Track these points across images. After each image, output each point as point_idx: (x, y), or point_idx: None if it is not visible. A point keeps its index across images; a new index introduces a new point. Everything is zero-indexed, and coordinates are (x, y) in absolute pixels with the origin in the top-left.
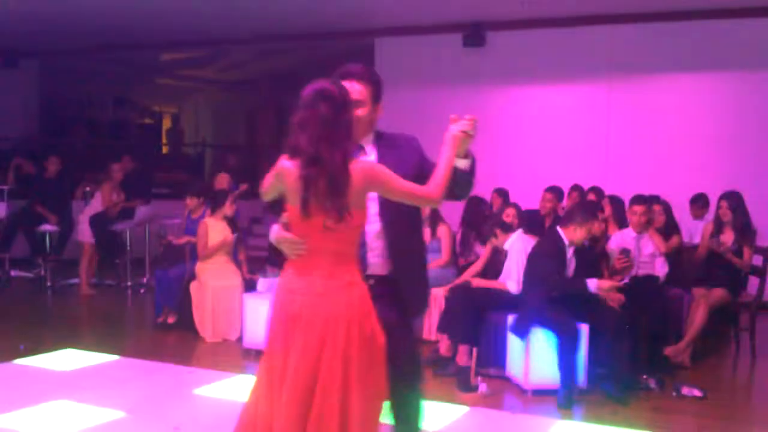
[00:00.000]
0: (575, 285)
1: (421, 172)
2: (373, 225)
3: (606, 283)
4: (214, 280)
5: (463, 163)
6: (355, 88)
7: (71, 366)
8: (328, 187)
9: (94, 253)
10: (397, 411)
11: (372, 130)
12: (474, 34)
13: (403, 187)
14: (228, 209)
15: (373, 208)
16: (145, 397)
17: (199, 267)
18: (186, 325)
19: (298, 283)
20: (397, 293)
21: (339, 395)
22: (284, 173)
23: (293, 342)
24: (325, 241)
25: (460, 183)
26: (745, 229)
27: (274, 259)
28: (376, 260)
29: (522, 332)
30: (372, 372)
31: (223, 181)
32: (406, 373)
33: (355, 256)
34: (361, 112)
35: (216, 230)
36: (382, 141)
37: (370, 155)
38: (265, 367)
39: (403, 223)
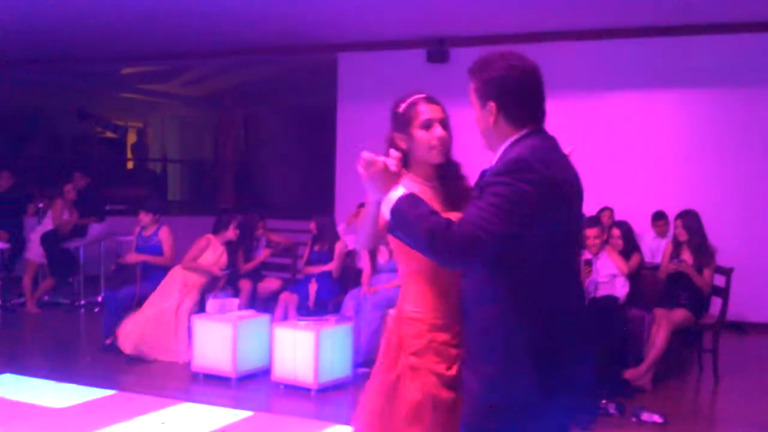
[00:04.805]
0: None
1: None
2: None
3: None
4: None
5: (384, 209)
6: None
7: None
8: None
9: (46, 272)
10: None
11: (499, 136)
12: (437, 49)
13: None
14: (231, 233)
15: None
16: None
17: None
18: None
19: None
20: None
21: None
22: None
23: None
24: None
25: (397, 233)
26: (701, 249)
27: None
28: None
29: None
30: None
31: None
32: None
33: (404, 292)
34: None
35: (215, 254)
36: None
37: None
38: None
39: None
